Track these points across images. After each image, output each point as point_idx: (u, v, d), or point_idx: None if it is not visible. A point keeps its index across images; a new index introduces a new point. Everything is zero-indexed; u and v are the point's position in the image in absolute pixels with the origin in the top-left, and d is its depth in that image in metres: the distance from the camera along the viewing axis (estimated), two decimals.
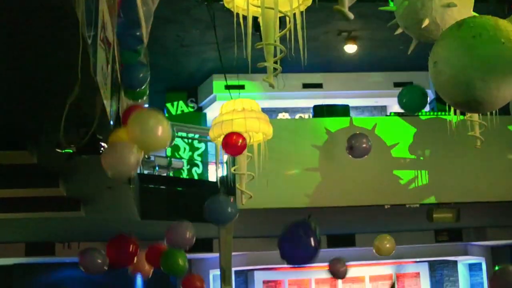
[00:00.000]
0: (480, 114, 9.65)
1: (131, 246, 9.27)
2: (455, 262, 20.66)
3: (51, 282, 18.83)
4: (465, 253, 19.26)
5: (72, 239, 16.38)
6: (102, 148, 6.48)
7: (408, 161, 13.27)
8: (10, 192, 9.25)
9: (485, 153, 12.58)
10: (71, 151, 6.49)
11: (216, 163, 13.21)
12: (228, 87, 11.77)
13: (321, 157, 13.11)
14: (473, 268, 20.88)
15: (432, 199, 13.42)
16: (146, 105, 8.72)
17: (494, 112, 9.26)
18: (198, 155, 20.09)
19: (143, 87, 6.48)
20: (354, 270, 20.19)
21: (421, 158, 13.33)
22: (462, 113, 9.55)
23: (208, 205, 9.53)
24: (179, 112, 20.44)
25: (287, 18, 6.34)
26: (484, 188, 13.37)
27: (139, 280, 18.96)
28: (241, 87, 14.44)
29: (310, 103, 17.70)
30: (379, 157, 13.21)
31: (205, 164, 19.43)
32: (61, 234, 15.59)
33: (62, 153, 6.57)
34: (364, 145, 10.72)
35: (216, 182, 13.95)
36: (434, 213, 13.61)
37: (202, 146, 20.03)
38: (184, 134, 19.09)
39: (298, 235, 7.81)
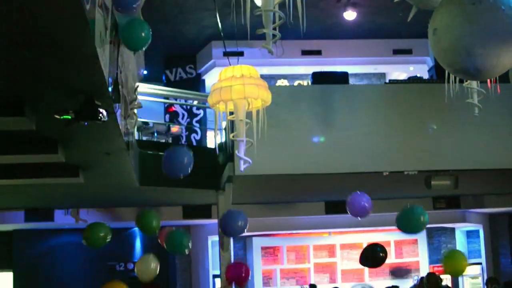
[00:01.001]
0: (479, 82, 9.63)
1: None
2: (453, 229, 20.75)
3: (50, 248, 18.93)
4: (463, 220, 19.33)
5: (71, 205, 16.42)
6: (100, 115, 6.47)
7: (407, 128, 13.24)
8: (8, 158, 9.26)
9: (484, 121, 12.56)
10: (69, 117, 6.48)
11: (214, 129, 13.20)
12: (227, 54, 11.68)
13: (319, 123, 13.09)
14: (471, 235, 20.98)
15: (430, 166, 13.42)
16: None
17: (494, 79, 9.23)
18: (197, 121, 20.09)
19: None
20: (352, 236, 20.32)
21: (420, 125, 13.32)
22: (461, 81, 9.51)
23: None
24: (177, 78, 20.40)
25: None
26: (482, 156, 13.36)
27: (138, 244, 19.06)
28: (240, 53, 14.34)
29: (309, 70, 17.66)
30: (378, 124, 13.20)
31: (203, 131, 19.43)
32: (60, 200, 15.63)
33: (60, 119, 6.56)
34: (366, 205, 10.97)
35: (215, 148, 13.98)
36: (432, 180, 13.62)
37: (200, 112, 20.02)
38: (182, 101, 19.07)
39: None
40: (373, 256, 10.35)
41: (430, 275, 15.42)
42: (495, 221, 20.39)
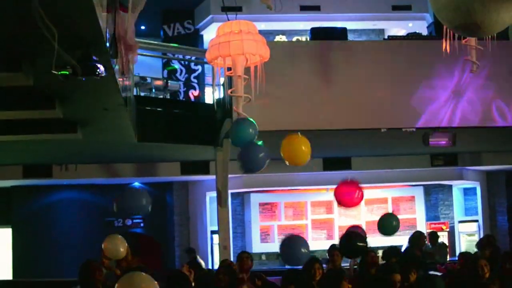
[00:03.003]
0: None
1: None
2: (450, 186, 20.81)
3: (49, 203, 18.99)
4: (460, 177, 19.37)
5: (69, 161, 16.44)
6: (98, 70, 6.45)
7: (405, 84, 13.22)
8: (6, 114, 9.24)
9: (482, 78, 12.56)
10: (67, 72, 6.45)
11: (213, 85, 13.16)
12: (225, 9, 11.60)
13: (318, 79, 13.06)
14: (468, 192, 21.03)
15: (428, 123, 13.42)
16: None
17: (492, 36, 9.19)
18: (195, 77, 20.03)
19: None
20: None
21: (419, 81, 13.28)
22: (460, 37, 9.47)
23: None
24: (175, 34, 20.30)
25: None
26: (480, 113, 13.36)
27: None
28: (239, 9, 14.27)
29: (308, 25, 17.55)
30: (376, 80, 13.17)
31: (202, 86, 19.39)
32: (59, 156, 15.65)
33: (58, 75, 6.53)
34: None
35: (213, 104, 13.95)
36: (430, 137, 13.63)
37: (199, 68, 19.95)
38: (180, 56, 18.99)
39: None
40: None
41: (416, 233, 15.62)
42: (492, 178, 20.44)
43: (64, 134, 10.88)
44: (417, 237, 12.17)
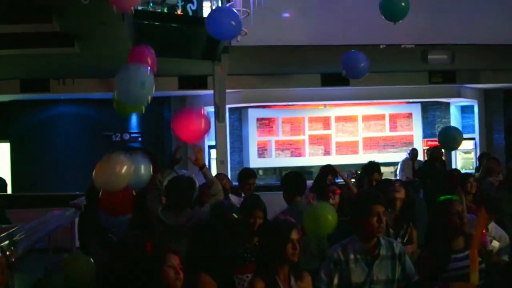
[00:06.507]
0: None
1: None
2: (448, 104, 20.82)
3: (47, 118, 19.02)
4: (458, 95, 19.34)
5: (66, 75, 16.40)
6: None
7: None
8: (3, 28, 9.18)
9: None
10: None
11: None
12: None
13: None
14: (465, 110, 21.06)
15: (427, 40, 13.34)
16: None
17: None
18: None
19: None
20: (348, 109, 20.42)
21: None
22: None
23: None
24: None
25: None
26: (480, 31, 13.27)
27: (133, 115, 19.11)
28: None
29: None
30: None
31: (199, 0, 19.17)
32: (56, 71, 15.60)
33: None
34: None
35: None
36: (429, 54, 13.58)
37: None
38: None
39: None
40: None
41: (414, 149, 15.90)
42: (490, 96, 20.41)
43: (61, 48, 10.83)
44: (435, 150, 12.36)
